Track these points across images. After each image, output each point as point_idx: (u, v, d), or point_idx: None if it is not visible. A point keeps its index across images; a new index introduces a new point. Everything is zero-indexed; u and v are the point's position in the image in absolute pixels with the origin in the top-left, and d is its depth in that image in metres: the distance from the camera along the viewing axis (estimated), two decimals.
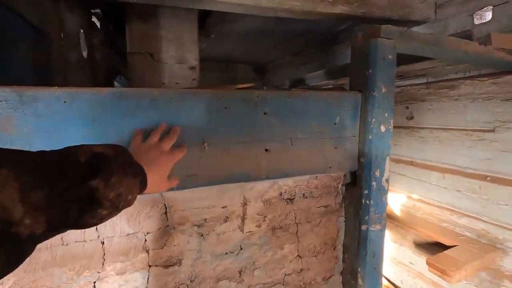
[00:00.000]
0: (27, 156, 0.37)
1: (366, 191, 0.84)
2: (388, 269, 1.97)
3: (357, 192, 0.87)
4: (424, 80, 1.70)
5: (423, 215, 1.76)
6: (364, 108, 0.82)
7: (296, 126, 0.76)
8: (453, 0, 1.38)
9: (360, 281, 0.88)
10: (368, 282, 0.86)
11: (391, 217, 1.90)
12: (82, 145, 0.43)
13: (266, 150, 0.74)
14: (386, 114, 0.81)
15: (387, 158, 0.83)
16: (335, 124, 0.81)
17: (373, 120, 0.80)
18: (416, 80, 1.73)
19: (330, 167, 0.82)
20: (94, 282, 0.66)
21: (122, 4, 1.44)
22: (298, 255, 0.88)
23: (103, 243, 0.67)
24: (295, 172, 0.78)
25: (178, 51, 1.70)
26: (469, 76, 1.44)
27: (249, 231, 0.80)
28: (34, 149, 0.54)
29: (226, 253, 0.79)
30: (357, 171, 0.87)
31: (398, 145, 1.92)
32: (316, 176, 0.86)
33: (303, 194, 0.86)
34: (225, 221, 0.77)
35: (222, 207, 0.76)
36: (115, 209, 0.43)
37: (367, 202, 0.84)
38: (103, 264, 0.67)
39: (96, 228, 0.66)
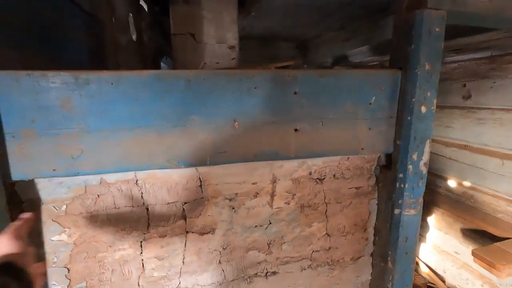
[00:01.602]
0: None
1: (401, 175, 0.80)
2: (431, 257, 1.89)
3: (392, 175, 0.84)
4: (487, 54, 1.49)
5: (474, 203, 1.62)
6: (404, 87, 0.77)
7: (327, 106, 0.75)
8: None
9: (390, 264, 0.87)
10: (399, 266, 0.85)
11: (436, 204, 1.78)
12: None
13: (296, 130, 0.75)
14: (428, 93, 0.75)
15: (428, 141, 0.78)
16: (370, 104, 0.78)
17: (414, 100, 0.75)
18: (477, 54, 1.53)
19: (362, 149, 0.80)
20: (141, 242, 0.77)
21: None
22: (326, 234, 0.90)
23: (147, 209, 0.76)
24: (325, 152, 0.78)
25: (218, 31, 1.73)
26: None
27: (278, 207, 0.84)
28: (89, 127, 0.63)
29: (256, 226, 0.84)
30: (392, 153, 0.83)
31: (450, 127, 1.75)
32: (348, 158, 0.85)
33: (334, 175, 0.86)
34: (255, 196, 0.82)
35: (252, 183, 0.80)
36: None
37: (402, 186, 0.81)
38: (147, 227, 0.77)
39: (142, 195, 0.75)
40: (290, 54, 3.64)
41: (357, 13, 2.25)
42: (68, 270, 0.74)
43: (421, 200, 0.82)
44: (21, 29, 0.73)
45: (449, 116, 1.75)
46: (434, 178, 1.87)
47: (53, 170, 0.64)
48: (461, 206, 1.66)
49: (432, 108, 0.76)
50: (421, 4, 0.71)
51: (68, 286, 0.74)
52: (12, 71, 0.59)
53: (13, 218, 0.64)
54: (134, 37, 1.72)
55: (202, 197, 0.79)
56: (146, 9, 1.99)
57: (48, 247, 0.71)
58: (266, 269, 0.87)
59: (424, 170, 0.80)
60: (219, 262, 0.84)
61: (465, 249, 1.64)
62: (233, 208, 0.81)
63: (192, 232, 0.80)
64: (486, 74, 1.50)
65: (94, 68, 1.14)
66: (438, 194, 1.83)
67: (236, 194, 0.80)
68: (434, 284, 1.81)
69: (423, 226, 1.90)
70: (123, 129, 0.65)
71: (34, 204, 0.69)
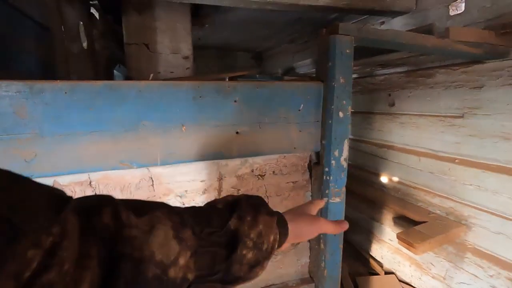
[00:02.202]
0: (175, 207, 0.38)
1: (326, 169, 0.97)
2: (371, 246, 2.13)
3: (320, 170, 1.00)
4: (405, 69, 1.79)
5: (401, 195, 1.89)
6: (326, 96, 0.94)
7: (263, 112, 0.89)
8: None
9: (322, 246, 1.02)
10: (329, 247, 1.01)
11: (373, 198, 2.03)
12: (215, 200, 0.44)
13: (237, 132, 0.87)
14: (344, 102, 0.93)
15: (346, 141, 0.96)
16: (299, 110, 0.93)
17: (333, 107, 0.92)
18: (398, 69, 1.82)
19: (295, 148, 0.95)
20: None
21: None
22: None
23: None
24: (263, 152, 0.91)
25: (172, 42, 1.82)
26: (444, 65, 1.53)
27: None
28: (44, 132, 0.68)
29: None
30: (320, 151, 0.99)
31: (381, 130, 2.03)
32: (285, 156, 1.00)
33: (273, 171, 1.00)
34: (204, 192, 0.92)
35: (201, 181, 0.91)
36: (259, 252, 0.40)
37: (328, 178, 0.97)
38: None
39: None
40: (247, 64, 3.82)
41: (305, 29, 2.49)
42: None
43: (343, 189, 0.99)
44: None
45: (379, 121, 2.03)
46: (370, 175, 2.14)
47: None
48: (392, 199, 1.92)
49: (348, 113, 0.94)
50: (334, 31, 0.89)
51: None
52: None
53: None
54: (85, 45, 1.72)
55: (154, 195, 0.87)
56: (98, 17, 1.99)
57: None
58: None
59: (344, 164, 0.97)
60: None
61: (395, 236, 1.90)
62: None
63: None
64: (405, 85, 1.79)
65: (45, 77, 1.16)
66: (374, 189, 2.09)
67: (186, 191, 0.90)
68: (374, 269, 2.04)
69: (365, 219, 2.15)
70: (77, 133, 0.71)
71: None
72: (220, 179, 0.93)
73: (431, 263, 1.66)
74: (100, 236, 0.28)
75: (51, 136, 0.69)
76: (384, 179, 2.02)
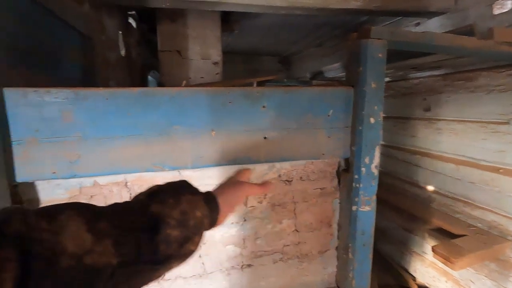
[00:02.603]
0: (92, 205, 0.40)
1: (356, 176, 0.94)
2: (403, 258, 2.02)
3: (349, 176, 0.97)
4: (441, 72, 1.69)
5: (437, 206, 1.78)
6: (356, 101, 0.92)
7: (291, 118, 0.88)
8: None
9: (350, 255, 0.99)
10: (358, 256, 0.98)
11: (406, 207, 1.94)
12: (140, 192, 0.46)
13: (265, 138, 0.88)
14: (375, 107, 0.90)
15: (377, 147, 0.93)
16: (328, 116, 0.92)
17: (363, 112, 0.90)
18: (434, 72, 1.73)
19: (323, 154, 0.93)
20: None
21: (154, 7, 1.63)
22: (295, 229, 1.02)
23: None
24: (291, 157, 0.91)
25: (203, 48, 1.88)
26: (486, 67, 1.43)
27: (252, 206, 0.96)
28: (86, 136, 0.73)
29: (232, 223, 0.95)
30: (349, 158, 0.97)
31: (415, 136, 1.93)
32: (312, 162, 0.98)
33: (300, 177, 0.99)
34: None
35: None
36: (186, 229, 0.42)
37: (357, 185, 0.94)
38: None
39: (130, 196, 0.85)
40: (274, 67, 3.83)
41: (334, 32, 2.45)
42: None
43: (374, 197, 0.96)
44: (27, 53, 0.83)
45: (413, 126, 1.94)
46: (402, 183, 2.04)
47: (53, 173, 0.74)
48: (426, 209, 1.81)
49: (379, 119, 0.91)
50: (366, 35, 0.86)
51: None
52: (21, 88, 0.69)
53: None
54: (122, 53, 1.84)
55: None
56: (135, 26, 2.11)
57: None
58: (242, 262, 0.98)
59: (375, 171, 0.94)
60: (200, 256, 0.94)
61: (430, 249, 1.79)
62: None
63: None
64: (442, 89, 1.70)
65: (87, 84, 1.25)
66: (407, 198, 1.99)
67: None
68: (405, 283, 1.94)
69: (396, 229, 2.05)
70: (116, 137, 0.76)
71: (34, 204, 0.78)
72: None
73: (470, 280, 1.54)
74: (13, 242, 0.30)
75: (92, 139, 0.74)
76: (417, 187, 1.92)
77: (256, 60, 3.66)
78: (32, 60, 0.86)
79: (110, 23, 1.63)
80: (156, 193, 0.44)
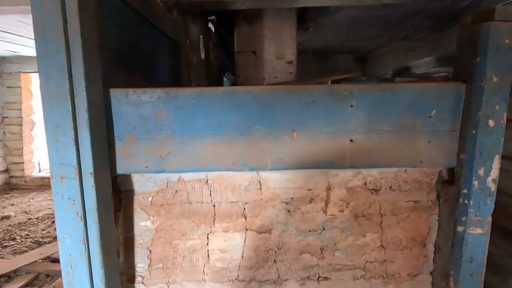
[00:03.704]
0: None
1: (465, 190, 0.78)
2: None
3: (455, 190, 0.81)
4: None
5: None
6: (468, 100, 0.76)
7: (383, 119, 0.77)
8: None
9: (452, 285, 0.83)
10: None
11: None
12: None
13: (351, 140, 0.79)
14: (497, 107, 0.72)
15: (497, 156, 0.75)
16: (430, 117, 0.78)
17: (479, 113, 0.73)
18: None
19: (421, 161, 0.80)
20: (208, 234, 0.88)
21: (233, 10, 1.68)
22: (381, 245, 0.90)
23: (214, 205, 0.87)
24: (380, 163, 0.80)
25: (277, 48, 1.86)
26: None
27: (332, 214, 0.88)
28: (175, 133, 0.77)
29: (310, 230, 0.89)
30: (455, 168, 0.81)
31: None
32: (406, 170, 0.85)
33: (390, 187, 0.86)
34: (310, 202, 0.87)
35: (308, 190, 0.86)
36: None
37: (466, 202, 0.77)
38: (213, 222, 0.88)
39: (210, 193, 0.86)
40: (348, 66, 3.61)
41: (424, 23, 2.17)
42: (150, 251, 0.89)
43: (489, 218, 0.77)
44: (127, 57, 0.93)
45: None
46: None
47: (146, 167, 0.80)
48: None
49: (502, 121, 0.73)
50: (488, 16, 0.70)
51: (149, 265, 0.89)
52: (123, 88, 0.76)
53: (114, 204, 0.81)
54: (202, 55, 1.94)
55: (261, 199, 0.87)
56: (213, 31, 2.22)
57: (136, 231, 0.87)
58: (319, 273, 0.91)
59: (492, 187, 0.76)
60: (274, 261, 0.90)
61: None
62: (288, 211, 0.88)
63: (251, 230, 0.89)
64: None
65: (174, 85, 1.35)
66: None
67: (292, 198, 0.87)
68: None
69: (504, 256, 1.68)
70: (200, 135, 0.78)
71: (129, 194, 0.86)
72: (328, 189, 0.86)
73: None
74: None
75: (180, 136, 0.78)
76: None
77: (329, 59, 3.50)
78: (130, 63, 0.95)
79: (194, 28, 1.74)
80: None
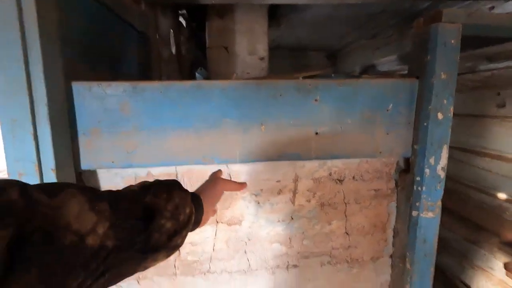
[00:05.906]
0: (90, 187, 0.41)
1: (418, 178, 0.84)
2: (465, 273, 1.81)
3: (410, 178, 0.88)
4: None
5: (511, 216, 1.55)
6: (421, 94, 0.82)
7: (345, 112, 0.82)
8: None
9: (408, 265, 0.90)
10: (417, 268, 0.88)
11: (469, 217, 1.72)
12: (131, 185, 0.48)
13: (316, 133, 0.83)
14: (445, 101, 0.79)
15: (445, 146, 0.82)
16: (387, 110, 0.83)
17: (430, 107, 0.80)
18: (510, 62, 1.49)
19: (380, 152, 0.85)
20: None
21: (204, 5, 1.67)
22: (346, 232, 0.95)
23: None
24: (344, 154, 0.85)
25: (250, 43, 1.87)
26: None
27: (300, 205, 0.91)
28: (142, 127, 0.76)
29: (279, 221, 0.92)
30: (410, 157, 0.87)
31: (484, 137, 1.70)
32: (367, 161, 0.91)
33: (353, 177, 0.92)
34: (278, 193, 0.90)
35: (276, 181, 0.89)
36: (177, 222, 0.44)
37: (419, 188, 0.84)
38: None
39: None
40: (321, 63, 3.70)
41: (389, 22, 2.27)
42: None
43: (439, 203, 0.85)
44: (92, 50, 0.89)
45: (483, 125, 1.70)
46: (467, 189, 1.81)
47: (112, 162, 0.78)
48: (497, 219, 1.59)
49: (449, 114, 0.80)
50: (437, 18, 0.76)
51: None
52: (86, 82, 0.74)
53: None
54: (173, 50, 1.91)
55: (231, 192, 0.89)
56: (185, 25, 2.18)
57: None
58: (288, 261, 0.95)
59: (442, 174, 0.83)
60: (245, 251, 0.93)
61: (500, 265, 1.56)
62: (258, 203, 0.90)
63: (222, 223, 0.90)
64: None
65: (142, 79, 1.32)
66: (472, 206, 1.76)
67: (261, 190, 0.89)
68: None
69: (458, 240, 1.84)
70: (168, 128, 0.78)
71: None
72: (296, 180, 0.90)
73: None
74: (8, 210, 0.29)
75: (147, 130, 0.77)
76: (486, 194, 1.69)
77: (302, 56, 3.57)
78: (95, 56, 0.92)
79: (164, 22, 1.70)
80: (148, 187, 0.46)
